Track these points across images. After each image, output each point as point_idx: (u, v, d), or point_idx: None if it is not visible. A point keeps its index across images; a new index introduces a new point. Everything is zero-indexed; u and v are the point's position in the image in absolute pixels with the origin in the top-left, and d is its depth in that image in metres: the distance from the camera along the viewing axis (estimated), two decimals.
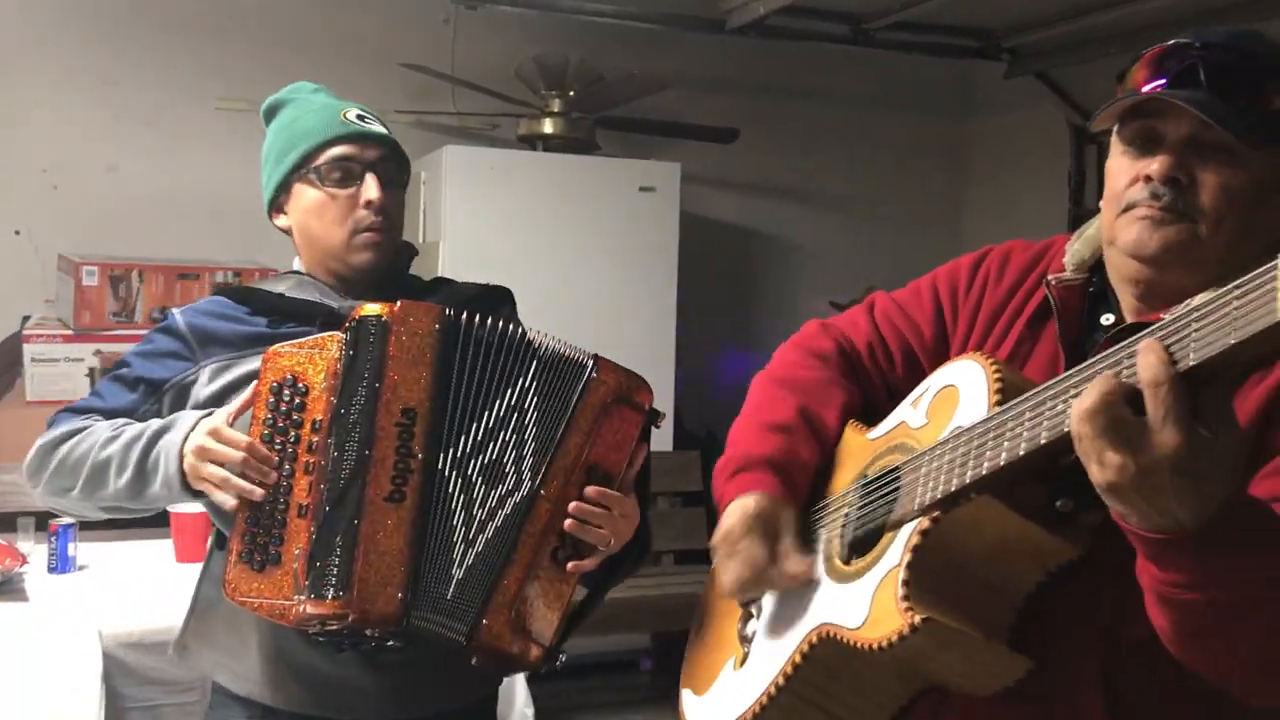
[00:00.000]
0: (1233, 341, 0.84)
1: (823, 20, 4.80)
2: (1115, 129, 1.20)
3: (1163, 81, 1.14)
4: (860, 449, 1.32)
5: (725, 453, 1.40)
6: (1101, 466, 0.91)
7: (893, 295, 1.47)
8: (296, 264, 1.79)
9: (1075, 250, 1.28)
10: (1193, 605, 0.96)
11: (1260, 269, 0.84)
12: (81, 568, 2.93)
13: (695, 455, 4.65)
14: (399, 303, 1.52)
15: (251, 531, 1.49)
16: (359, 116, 1.73)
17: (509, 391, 1.52)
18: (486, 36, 4.75)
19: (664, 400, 4.55)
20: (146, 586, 2.74)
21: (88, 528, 2.96)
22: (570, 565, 1.50)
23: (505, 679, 3.43)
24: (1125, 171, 1.17)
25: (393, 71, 4.46)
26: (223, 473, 1.48)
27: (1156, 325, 0.92)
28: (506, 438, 1.51)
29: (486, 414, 1.51)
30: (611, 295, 4.45)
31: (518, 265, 4.30)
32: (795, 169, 5.45)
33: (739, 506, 1.29)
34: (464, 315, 1.53)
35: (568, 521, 1.49)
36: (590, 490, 1.50)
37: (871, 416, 1.35)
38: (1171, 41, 1.16)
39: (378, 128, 1.74)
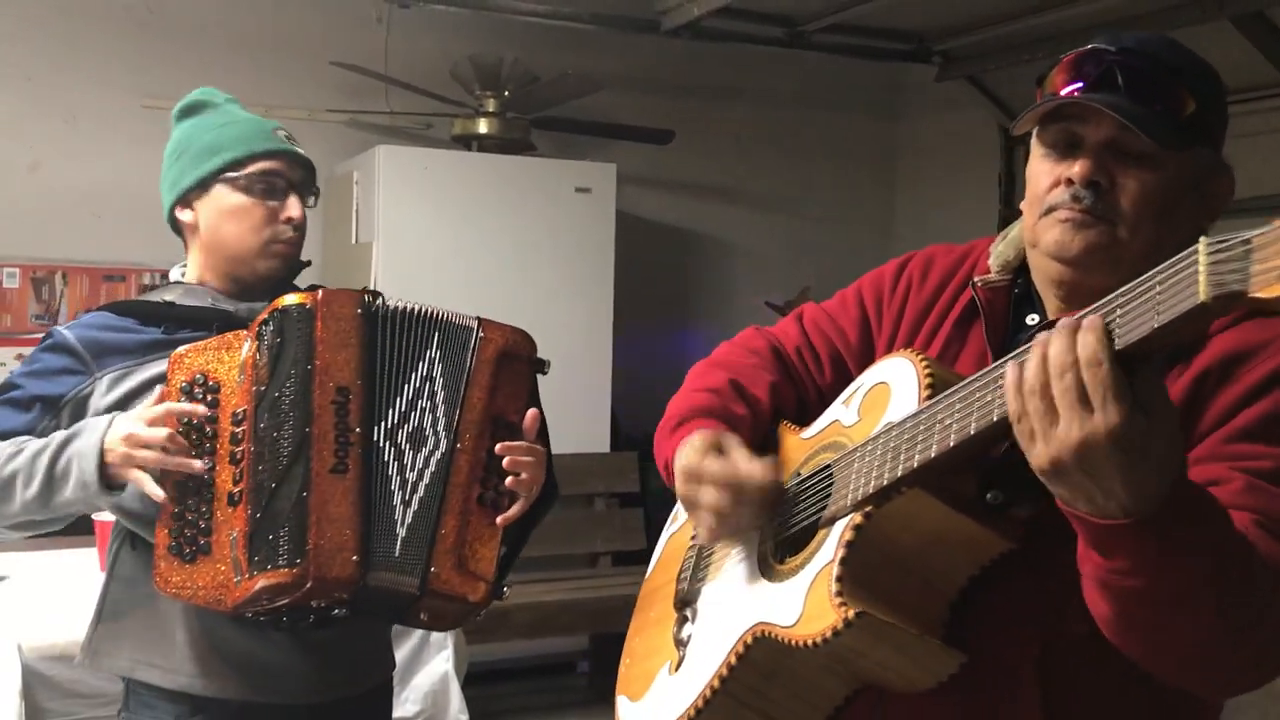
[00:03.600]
0: (1156, 325, 0.86)
1: (757, 22, 4.83)
2: (1036, 132, 1.22)
3: (1081, 84, 1.16)
4: (795, 448, 1.32)
5: (663, 418, 1.40)
6: (1045, 443, 0.92)
7: (822, 305, 1.48)
8: (176, 274, 1.84)
9: (1000, 252, 1.30)
10: (1133, 592, 0.97)
11: (1181, 254, 0.85)
12: (1, 579, 2.85)
13: (633, 456, 4.66)
14: (319, 291, 1.62)
15: (178, 525, 1.56)
16: (286, 136, 1.82)
17: (420, 364, 1.65)
18: (420, 35, 4.71)
19: (601, 402, 4.56)
20: (69, 597, 2.66)
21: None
22: (500, 519, 1.64)
23: (438, 686, 3.41)
24: (1046, 175, 1.19)
25: (325, 70, 4.40)
26: (156, 454, 1.53)
27: (1082, 313, 0.93)
28: (423, 405, 1.64)
29: (406, 387, 1.63)
30: (547, 296, 4.43)
31: (452, 266, 4.27)
32: (730, 170, 5.48)
33: (688, 446, 1.27)
34: (379, 298, 1.65)
35: (508, 480, 1.62)
36: (503, 446, 1.64)
37: (803, 418, 1.36)
38: (1089, 46, 1.19)
39: (300, 149, 1.82)
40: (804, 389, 1.43)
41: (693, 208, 5.43)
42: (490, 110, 4.54)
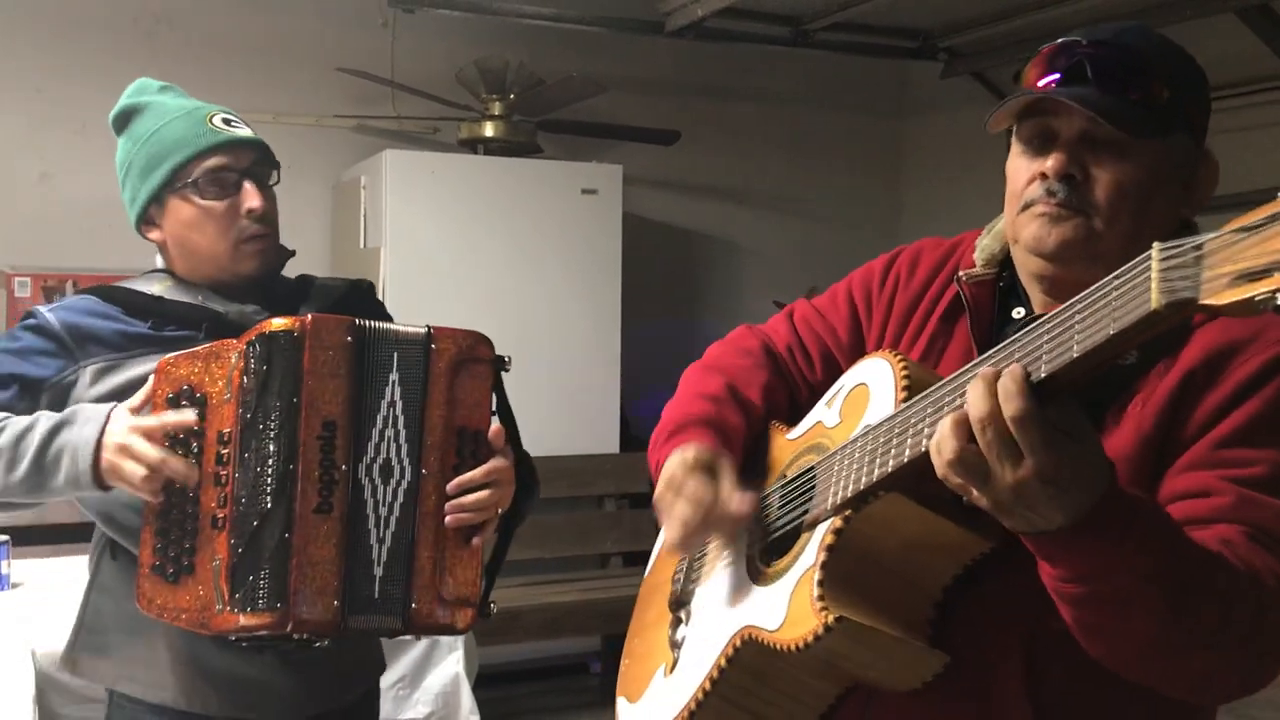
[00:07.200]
0: (1112, 331, 0.87)
1: (761, 22, 4.84)
2: (1014, 129, 1.22)
3: (1055, 77, 1.16)
4: (782, 449, 1.32)
5: (659, 424, 1.42)
6: (981, 490, 0.96)
7: (812, 301, 1.49)
8: (160, 263, 1.77)
9: (985, 246, 1.30)
10: (1080, 598, 1.00)
11: (1137, 259, 0.86)
12: (15, 585, 2.88)
13: (643, 457, 4.60)
14: (309, 316, 1.53)
15: (162, 543, 1.51)
16: (225, 120, 1.70)
17: (386, 389, 1.55)
18: (426, 40, 4.74)
19: (609, 403, 4.57)
20: None
21: (22, 543, 2.91)
22: (474, 540, 1.57)
23: (449, 687, 3.44)
24: (1023, 170, 1.19)
25: (331, 76, 4.43)
26: (143, 470, 1.47)
27: (1005, 344, 0.96)
28: (389, 434, 1.55)
29: (377, 416, 1.55)
30: (555, 298, 4.45)
31: (460, 270, 4.30)
32: (736, 169, 5.49)
33: (678, 457, 1.29)
34: (369, 324, 1.55)
35: (449, 519, 1.55)
36: (461, 480, 1.56)
37: (795, 417, 1.36)
38: (1060, 40, 1.19)
39: (246, 130, 1.71)
40: (796, 387, 1.43)
41: (699, 208, 5.44)
42: (496, 113, 4.56)
